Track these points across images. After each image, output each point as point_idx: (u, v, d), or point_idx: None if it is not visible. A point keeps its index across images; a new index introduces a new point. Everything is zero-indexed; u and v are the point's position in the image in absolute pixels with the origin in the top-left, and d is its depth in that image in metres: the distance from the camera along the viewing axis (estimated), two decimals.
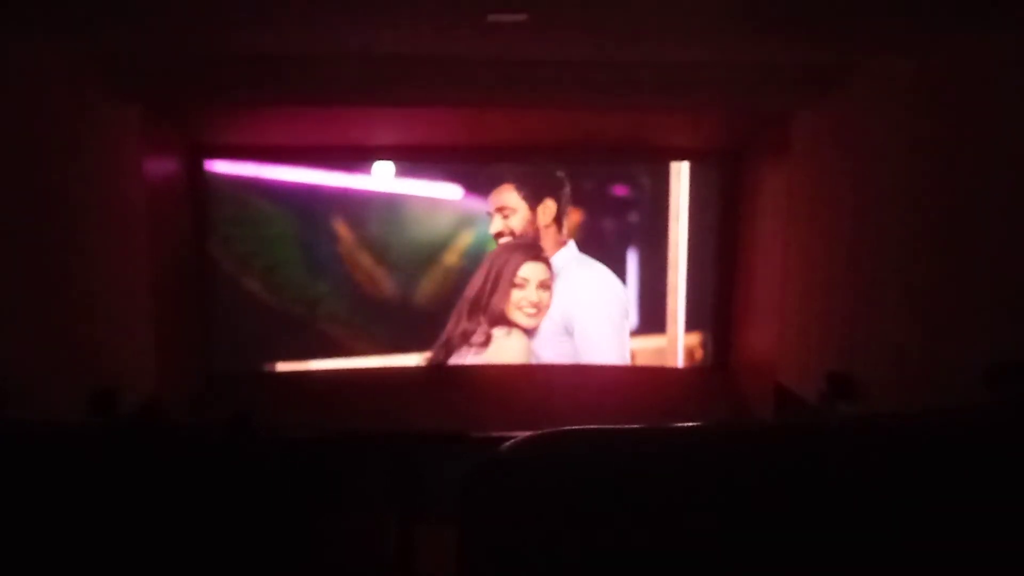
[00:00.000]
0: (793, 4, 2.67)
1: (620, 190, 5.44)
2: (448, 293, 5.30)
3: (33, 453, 1.15)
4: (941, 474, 1.02)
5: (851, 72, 3.73)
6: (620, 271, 5.37)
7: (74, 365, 3.57)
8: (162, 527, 1.10)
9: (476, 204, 5.26)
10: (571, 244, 5.27)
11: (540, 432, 1.07)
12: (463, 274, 5.26)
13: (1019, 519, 1.00)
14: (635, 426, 1.09)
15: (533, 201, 5.17)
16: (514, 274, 5.12)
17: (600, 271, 5.29)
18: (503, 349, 5.21)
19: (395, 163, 5.32)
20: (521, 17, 2.74)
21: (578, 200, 5.31)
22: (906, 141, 3.44)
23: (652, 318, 5.48)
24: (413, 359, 5.39)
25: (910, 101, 3.41)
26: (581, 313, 5.22)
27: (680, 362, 5.53)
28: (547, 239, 5.20)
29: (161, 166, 4.63)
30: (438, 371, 5.36)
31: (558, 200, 5.21)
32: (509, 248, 5.16)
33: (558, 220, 5.21)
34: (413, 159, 5.36)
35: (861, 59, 3.62)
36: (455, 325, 5.26)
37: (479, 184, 5.26)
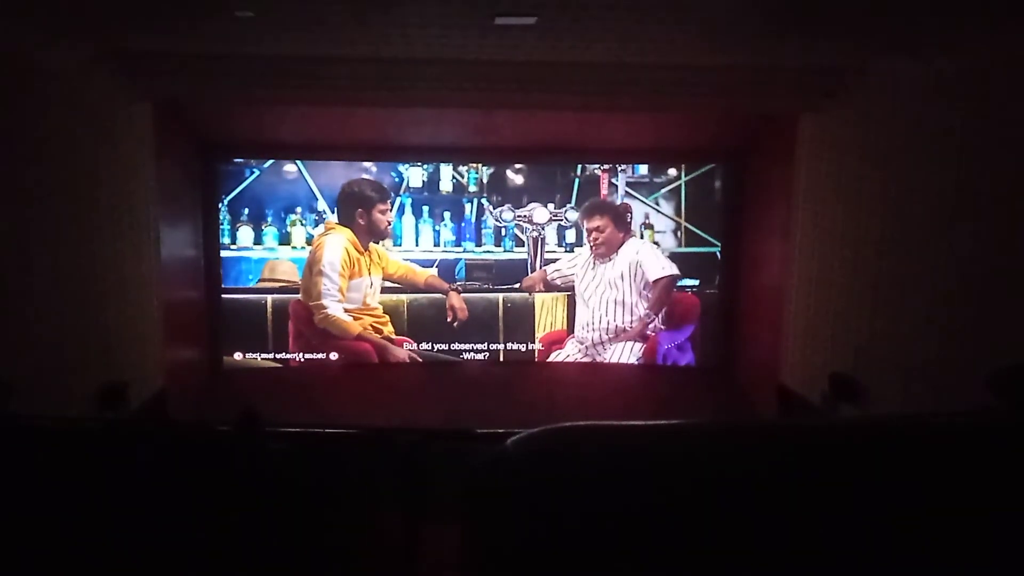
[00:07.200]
0: (801, 8, 2.67)
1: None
2: None
3: (41, 449, 1.15)
4: (945, 477, 1.03)
5: (857, 75, 3.73)
6: None
7: (82, 359, 3.59)
8: (170, 522, 1.11)
9: None
10: None
11: (544, 428, 1.08)
12: None
13: (1021, 521, 1.01)
14: (638, 423, 1.10)
15: None
16: None
17: None
18: None
19: (402, 162, 5.36)
20: (530, 21, 2.75)
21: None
22: (911, 143, 3.43)
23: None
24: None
25: (916, 104, 3.40)
26: None
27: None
28: None
29: (172, 163, 4.65)
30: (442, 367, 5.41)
31: None
32: None
33: None
34: (422, 158, 5.40)
35: (867, 62, 3.61)
36: None
37: None
